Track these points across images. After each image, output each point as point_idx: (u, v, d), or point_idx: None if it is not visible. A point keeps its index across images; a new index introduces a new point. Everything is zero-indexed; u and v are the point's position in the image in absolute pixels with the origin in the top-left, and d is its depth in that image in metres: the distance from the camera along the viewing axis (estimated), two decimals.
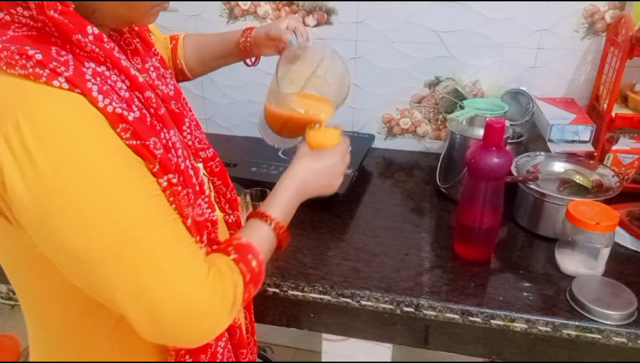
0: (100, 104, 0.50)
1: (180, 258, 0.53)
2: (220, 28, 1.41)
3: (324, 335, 0.99)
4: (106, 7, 0.54)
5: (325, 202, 1.10)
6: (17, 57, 0.48)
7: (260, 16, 1.38)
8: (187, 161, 0.61)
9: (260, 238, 0.65)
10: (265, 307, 0.95)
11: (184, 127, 0.67)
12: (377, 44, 1.34)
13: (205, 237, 0.62)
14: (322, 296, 0.89)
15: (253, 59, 0.95)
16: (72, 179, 0.48)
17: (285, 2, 1.34)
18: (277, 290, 0.90)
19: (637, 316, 0.81)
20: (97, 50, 0.53)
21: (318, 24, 1.36)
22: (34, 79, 0.48)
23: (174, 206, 0.56)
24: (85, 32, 0.52)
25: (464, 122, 1.13)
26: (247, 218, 0.69)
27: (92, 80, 0.51)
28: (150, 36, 0.69)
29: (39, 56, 0.48)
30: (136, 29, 0.66)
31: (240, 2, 1.37)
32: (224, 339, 0.70)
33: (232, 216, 0.76)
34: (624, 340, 0.80)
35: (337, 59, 0.83)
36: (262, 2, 1.36)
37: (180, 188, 0.57)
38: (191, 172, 0.61)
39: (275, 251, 0.69)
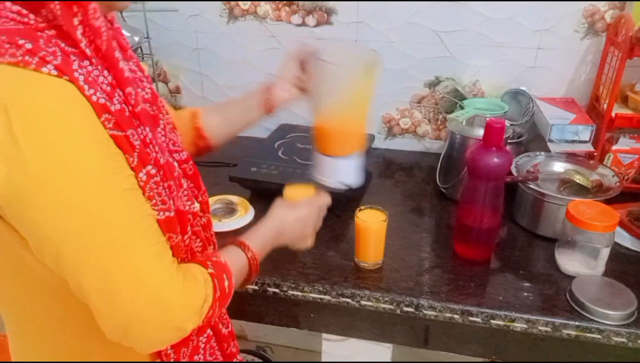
0: (87, 93, 0.51)
1: (149, 254, 0.55)
2: (220, 28, 1.42)
3: (324, 335, 0.99)
4: None
5: None
6: (7, 46, 0.49)
7: (260, 16, 1.38)
8: (166, 156, 0.62)
9: (236, 263, 0.68)
10: (265, 307, 0.95)
11: (159, 129, 0.67)
12: (377, 44, 1.34)
13: (189, 229, 0.64)
14: (322, 296, 0.89)
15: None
16: (52, 166, 0.49)
17: (285, 2, 1.34)
18: (277, 290, 0.90)
19: (637, 316, 0.81)
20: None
21: (318, 24, 1.35)
22: (23, 66, 0.49)
23: (154, 200, 0.57)
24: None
25: (464, 122, 1.13)
26: (227, 244, 0.72)
27: (79, 70, 0.52)
28: (123, 39, 0.68)
29: (28, 45, 0.50)
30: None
31: (240, 2, 1.37)
32: (205, 335, 0.71)
33: (203, 218, 0.75)
34: (624, 340, 0.80)
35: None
36: (262, 2, 1.36)
37: (159, 178, 0.58)
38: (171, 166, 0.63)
39: (242, 283, 0.72)
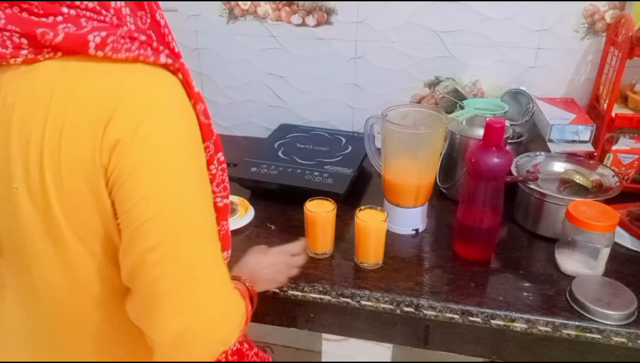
0: (192, 83, 0.54)
1: (221, 269, 0.59)
2: (220, 28, 1.42)
3: (324, 335, 0.99)
4: None
5: None
6: (122, 40, 0.50)
7: (260, 16, 1.38)
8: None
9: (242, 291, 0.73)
10: (265, 307, 0.95)
11: None
12: (377, 44, 1.34)
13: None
14: (322, 296, 0.89)
15: None
16: (167, 150, 0.51)
17: (285, 2, 1.34)
18: (277, 290, 0.90)
19: (637, 316, 0.81)
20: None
21: (318, 24, 1.35)
22: (143, 60, 0.51)
23: (220, 187, 0.61)
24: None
25: (464, 122, 1.13)
26: None
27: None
28: None
29: (142, 37, 0.52)
30: None
31: (240, 2, 1.37)
32: None
33: None
34: (624, 340, 0.80)
35: None
36: (262, 2, 1.36)
37: (225, 165, 0.62)
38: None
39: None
